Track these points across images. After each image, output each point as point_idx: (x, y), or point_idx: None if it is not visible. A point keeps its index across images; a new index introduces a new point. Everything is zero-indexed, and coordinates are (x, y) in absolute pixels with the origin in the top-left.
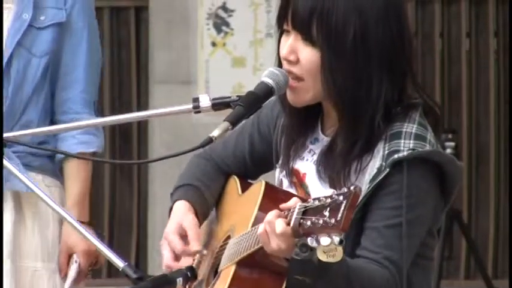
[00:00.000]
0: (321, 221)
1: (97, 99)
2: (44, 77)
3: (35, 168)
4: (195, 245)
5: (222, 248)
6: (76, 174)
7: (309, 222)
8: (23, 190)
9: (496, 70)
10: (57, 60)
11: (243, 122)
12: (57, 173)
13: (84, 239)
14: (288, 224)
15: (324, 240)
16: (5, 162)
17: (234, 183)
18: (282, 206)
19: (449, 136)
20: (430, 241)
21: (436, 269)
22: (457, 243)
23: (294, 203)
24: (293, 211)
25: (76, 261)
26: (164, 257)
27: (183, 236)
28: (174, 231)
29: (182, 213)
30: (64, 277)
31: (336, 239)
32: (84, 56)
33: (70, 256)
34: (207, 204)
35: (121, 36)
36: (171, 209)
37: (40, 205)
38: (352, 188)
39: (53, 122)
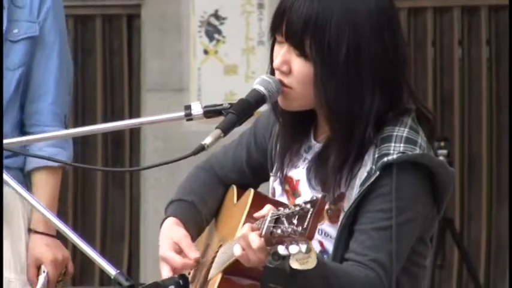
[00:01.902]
0: (289, 229)
1: (68, 113)
2: (17, 90)
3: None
4: (192, 254)
5: (214, 257)
6: (44, 187)
7: (279, 231)
8: None
9: (488, 78)
10: (28, 73)
11: (243, 131)
12: (28, 186)
13: (51, 248)
14: (261, 233)
15: (293, 248)
16: None
17: (232, 192)
18: (256, 214)
19: (442, 144)
20: (421, 249)
21: (428, 277)
22: (449, 252)
23: (267, 211)
24: (265, 219)
25: (44, 272)
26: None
27: (179, 251)
28: (169, 248)
29: (169, 229)
30: None
31: (303, 247)
32: (54, 69)
33: (39, 268)
34: (201, 218)
35: (113, 44)
36: (162, 222)
37: (12, 217)
38: (320, 195)
39: (22, 134)
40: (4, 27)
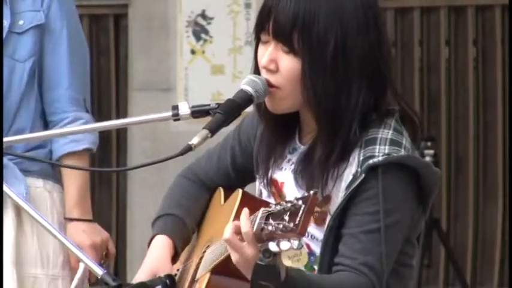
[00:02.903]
0: (281, 226)
1: (88, 96)
2: (32, 82)
3: (35, 173)
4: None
5: (202, 257)
6: (72, 174)
7: (270, 227)
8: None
9: (475, 78)
10: (41, 62)
11: (227, 134)
12: (57, 176)
13: (88, 233)
14: (252, 230)
15: (284, 244)
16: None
17: (219, 194)
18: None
19: (428, 144)
20: (408, 249)
21: (415, 277)
22: (436, 252)
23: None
24: (256, 216)
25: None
26: None
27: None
28: (144, 275)
29: (158, 255)
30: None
31: (295, 243)
32: (66, 55)
33: None
34: (188, 231)
35: (100, 44)
36: (151, 239)
37: (39, 211)
38: (311, 192)
39: (46, 124)
40: (8, 21)
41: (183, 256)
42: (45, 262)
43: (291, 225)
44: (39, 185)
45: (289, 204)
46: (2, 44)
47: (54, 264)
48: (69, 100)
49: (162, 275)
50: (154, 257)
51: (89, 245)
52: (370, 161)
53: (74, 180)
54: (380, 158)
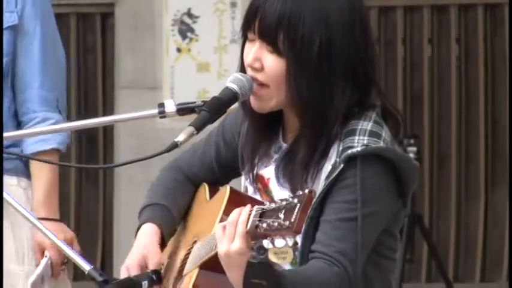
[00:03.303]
0: (276, 223)
1: (61, 97)
2: (6, 82)
3: (9, 171)
4: (151, 266)
5: (188, 253)
6: (39, 173)
7: (265, 225)
8: None
9: (458, 76)
10: (14, 63)
11: (211, 130)
12: (30, 174)
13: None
14: (246, 227)
15: (279, 242)
16: None
17: (204, 190)
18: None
19: (411, 142)
20: (389, 241)
21: (398, 271)
22: (418, 247)
23: (251, 207)
24: (251, 214)
25: (46, 256)
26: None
27: (143, 268)
28: (136, 263)
29: (148, 242)
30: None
31: (290, 240)
32: (38, 55)
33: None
34: (174, 222)
35: (87, 42)
36: (138, 228)
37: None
38: (306, 191)
39: (18, 124)
40: None
41: (167, 250)
42: (21, 258)
43: (287, 223)
44: (13, 183)
45: (284, 203)
46: (2, 44)
47: (30, 261)
48: (40, 100)
49: (148, 270)
50: (143, 243)
51: (52, 243)
52: (349, 151)
53: (41, 180)
54: (359, 149)
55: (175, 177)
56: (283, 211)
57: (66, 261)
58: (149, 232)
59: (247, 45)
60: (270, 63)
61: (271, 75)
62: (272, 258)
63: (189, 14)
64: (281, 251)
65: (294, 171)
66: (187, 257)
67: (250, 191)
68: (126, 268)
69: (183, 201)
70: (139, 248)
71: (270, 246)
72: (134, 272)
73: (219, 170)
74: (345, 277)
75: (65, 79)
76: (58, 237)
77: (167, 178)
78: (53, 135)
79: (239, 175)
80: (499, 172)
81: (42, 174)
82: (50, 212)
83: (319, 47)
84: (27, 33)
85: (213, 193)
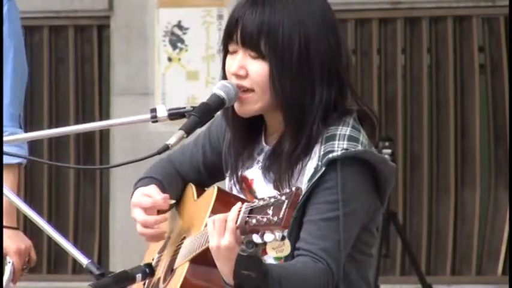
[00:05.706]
0: (265, 219)
1: (22, 112)
2: None
3: None
4: (159, 196)
5: (178, 248)
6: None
7: (254, 220)
8: None
9: (429, 83)
10: None
11: (199, 133)
12: None
13: (13, 239)
14: (236, 223)
15: (268, 236)
16: None
17: (191, 189)
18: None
19: (386, 144)
20: (367, 238)
21: (374, 266)
22: (393, 242)
23: (241, 204)
24: (240, 210)
25: (9, 262)
26: (137, 220)
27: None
28: (140, 195)
29: (150, 188)
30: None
31: (279, 234)
32: (9, 73)
33: (4, 259)
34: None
35: (84, 53)
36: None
37: None
38: (293, 188)
39: None
40: None
41: (156, 246)
42: None
43: (275, 218)
44: None
45: (272, 200)
46: (2, 44)
47: None
48: (9, 116)
49: (142, 264)
50: (144, 190)
51: (14, 250)
52: (330, 155)
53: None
54: (339, 153)
55: (168, 167)
56: (271, 207)
57: (25, 266)
58: (145, 185)
59: (229, 57)
60: (255, 69)
61: (257, 79)
62: (270, 252)
63: (179, 25)
64: (278, 245)
65: (281, 166)
66: (177, 252)
67: (235, 192)
68: (133, 205)
69: (175, 187)
70: (137, 192)
71: (260, 240)
72: (143, 199)
73: (205, 171)
74: (329, 273)
75: (24, 95)
76: (17, 244)
77: (162, 165)
78: (17, 150)
79: (224, 178)
80: (467, 172)
81: (6, 184)
82: (10, 221)
83: (299, 48)
84: (3, 51)
85: (199, 193)
